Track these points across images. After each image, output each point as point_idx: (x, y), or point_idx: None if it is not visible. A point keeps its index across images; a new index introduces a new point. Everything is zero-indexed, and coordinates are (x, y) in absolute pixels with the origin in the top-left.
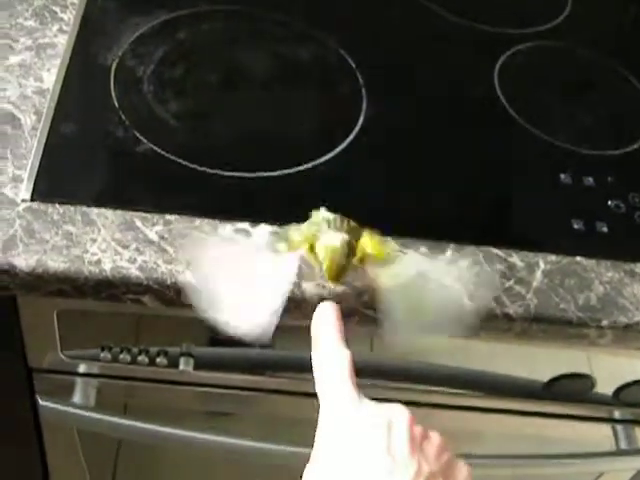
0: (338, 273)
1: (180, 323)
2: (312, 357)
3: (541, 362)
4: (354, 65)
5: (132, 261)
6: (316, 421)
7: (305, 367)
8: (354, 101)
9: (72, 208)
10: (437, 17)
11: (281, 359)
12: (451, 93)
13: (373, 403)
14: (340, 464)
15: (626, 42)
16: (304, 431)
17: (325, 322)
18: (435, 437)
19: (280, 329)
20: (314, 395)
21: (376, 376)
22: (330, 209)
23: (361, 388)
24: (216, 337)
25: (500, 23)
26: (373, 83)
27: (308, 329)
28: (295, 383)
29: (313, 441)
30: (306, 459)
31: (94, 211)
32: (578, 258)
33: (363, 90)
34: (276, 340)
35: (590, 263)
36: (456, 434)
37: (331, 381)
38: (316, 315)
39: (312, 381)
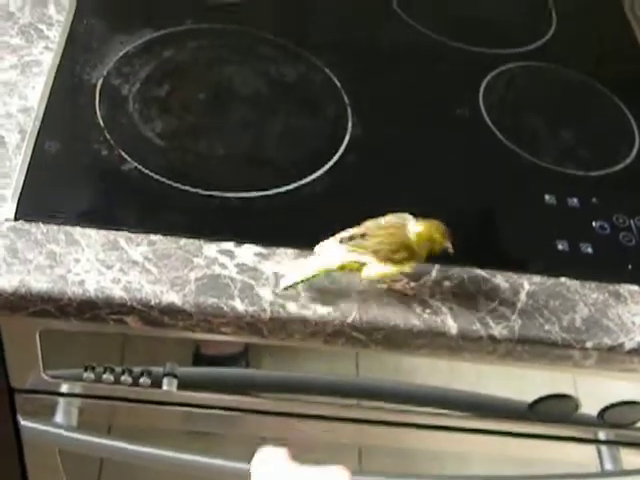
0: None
1: (164, 343)
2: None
3: (527, 383)
4: (339, 84)
5: (116, 281)
6: (299, 440)
7: (289, 387)
8: (339, 120)
9: (56, 228)
10: (423, 37)
11: (265, 379)
12: (436, 113)
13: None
14: None
15: (610, 63)
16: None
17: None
18: None
19: (264, 349)
20: (298, 415)
21: (362, 397)
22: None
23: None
24: (200, 355)
25: (485, 43)
26: (358, 103)
27: (292, 349)
28: (279, 403)
29: (295, 460)
30: None
31: (78, 231)
32: (563, 279)
33: (348, 109)
34: (260, 360)
35: (575, 284)
36: (441, 455)
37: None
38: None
39: (296, 401)
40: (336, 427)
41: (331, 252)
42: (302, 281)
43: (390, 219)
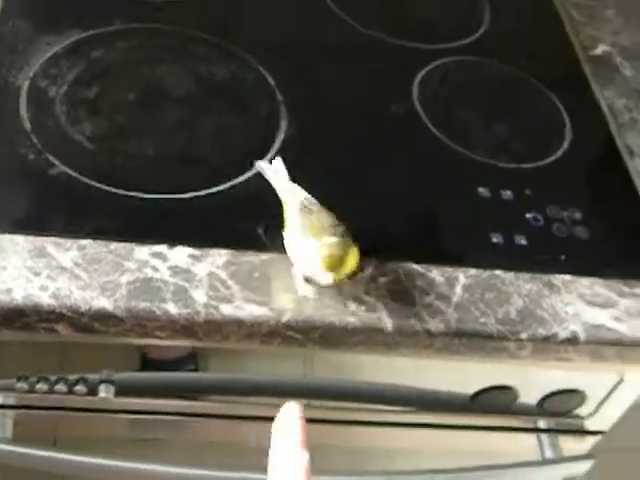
0: (334, 264)
1: (107, 350)
2: (269, 455)
3: (467, 375)
4: (273, 83)
5: (44, 289)
6: (238, 445)
7: (233, 389)
8: (273, 119)
9: None
10: (356, 33)
11: (206, 382)
12: (371, 109)
13: None
14: None
15: (542, 58)
16: (234, 455)
17: (288, 423)
18: None
19: (212, 350)
20: (245, 418)
21: (310, 396)
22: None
23: None
24: (147, 359)
25: (420, 39)
26: (292, 101)
27: (231, 352)
28: (225, 406)
29: (243, 465)
30: None
31: (5, 238)
32: (497, 271)
33: (282, 108)
34: (208, 362)
35: (509, 276)
36: (384, 451)
37: None
38: (280, 414)
39: (243, 403)
40: None
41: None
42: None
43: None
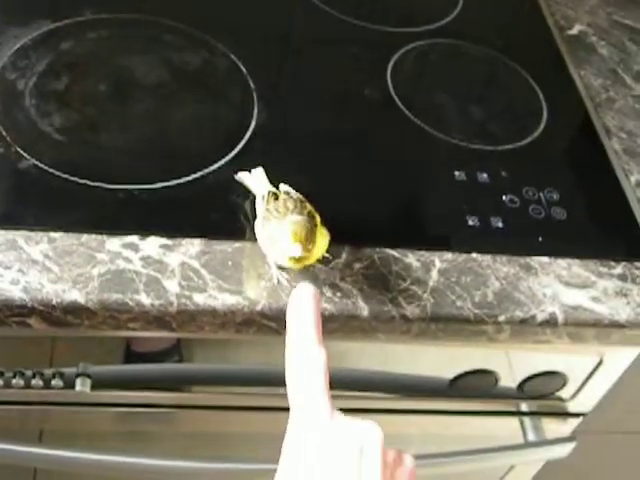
0: (302, 236)
1: (83, 344)
2: (286, 355)
3: (447, 360)
4: (245, 70)
5: (15, 282)
6: (226, 435)
7: (208, 380)
8: (245, 106)
9: None
10: (328, 18)
11: (183, 374)
12: (344, 94)
13: (346, 420)
14: None
15: (518, 39)
16: (221, 446)
17: (302, 311)
18: (408, 462)
19: (195, 342)
20: (231, 408)
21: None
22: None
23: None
24: (131, 352)
25: (391, 22)
26: (265, 88)
27: (216, 342)
28: (203, 397)
29: (228, 456)
30: (224, 474)
31: None
32: (474, 255)
33: (254, 95)
34: (193, 353)
35: (486, 259)
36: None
37: (306, 390)
38: (293, 300)
39: (225, 393)
40: (274, 417)
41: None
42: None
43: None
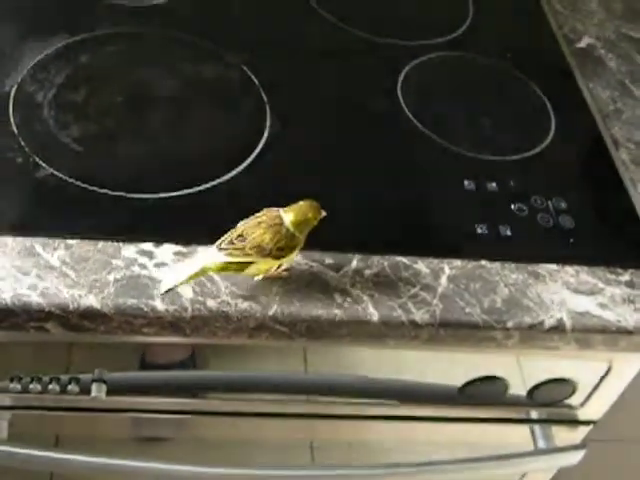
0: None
1: (98, 355)
2: None
3: (455, 367)
4: (258, 83)
5: (33, 288)
6: (240, 441)
7: (227, 386)
8: (258, 119)
9: None
10: (340, 32)
11: (198, 380)
12: (355, 106)
13: None
14: None
15: (527, 51)
16: (237, 452)
17: None
18: None
19: (211, 353)
20: (245, 414)
21: (307, 392)
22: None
23: None
24: (146, 364)
25: (403, 36)
26: (277, 100)
27: (239, 351)
28: (219, 403)
29: (241, 462)
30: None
31: None
32: (483, 262)
33: (267, 107)
34: (208, 365)
35: (494, 266)
36: (376, 444)
37: None
38: None
39: (239, 400)
40: (287, 424)
41: (211, 257)
42: (178, 285)
43: (263, 215)
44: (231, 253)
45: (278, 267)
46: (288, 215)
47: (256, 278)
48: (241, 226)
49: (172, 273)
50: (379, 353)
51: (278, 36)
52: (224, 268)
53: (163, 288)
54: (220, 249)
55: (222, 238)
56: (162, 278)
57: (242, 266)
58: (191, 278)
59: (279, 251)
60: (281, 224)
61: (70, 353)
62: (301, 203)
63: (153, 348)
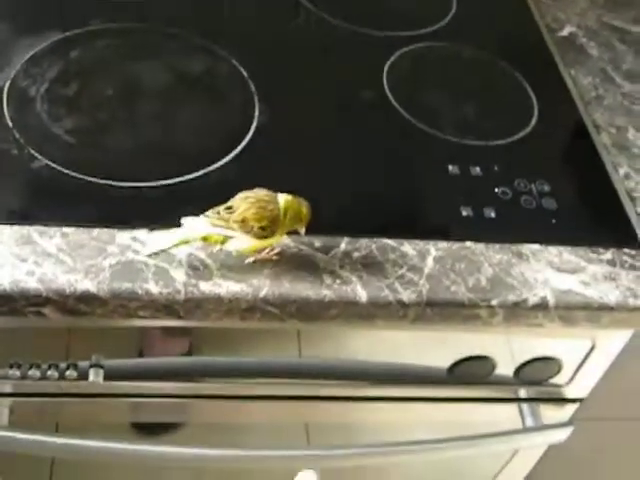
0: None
1: (90, 335)
2: None
3: (443, 348)
4: (246, 74)
5: (30, 274)
6: (237, 424)
7: (222, 371)
8: (247, 109)
9: None
10: (324, 23)
11: (195, 366)
12: (341, 96)
13: None
14: None
15: (510, 40)
16: (231, 435)
17: None
18: None
19: (207, 348)
20: (240, 397)
21: (297, 375)
22: None
23: None
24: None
25: (387, 27)
26: (265, 90)
27: (225, 343)
28: (216, 387)
29: (239, 444)
30: (235, 462)
31: None
32: (468, 243)
33: (255, 97)
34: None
35: (479, 247)
36: (366, 424)
37: None
38: None
39: (235, 384)
40: (280, 406)
41: (196, 224)
42: (162, 251)
43: (258, 192)
44: (214, 223)
45: (271, 250)
46: (282, 198)
47: (247, 261)
48: (234, 198)
49: (158, 238)
50: (370, 336)
51: (265, 28)
52: (206, 238)
53: (147, 251)
54: (205, 216)
55: (213, 208)
56: (148, 242)
57: (224, 238)
58: (175, 245)
59: (261, 230)
60: (268, 203)
61: (68, 340)
62: (300, 198)
63: (150, 344)
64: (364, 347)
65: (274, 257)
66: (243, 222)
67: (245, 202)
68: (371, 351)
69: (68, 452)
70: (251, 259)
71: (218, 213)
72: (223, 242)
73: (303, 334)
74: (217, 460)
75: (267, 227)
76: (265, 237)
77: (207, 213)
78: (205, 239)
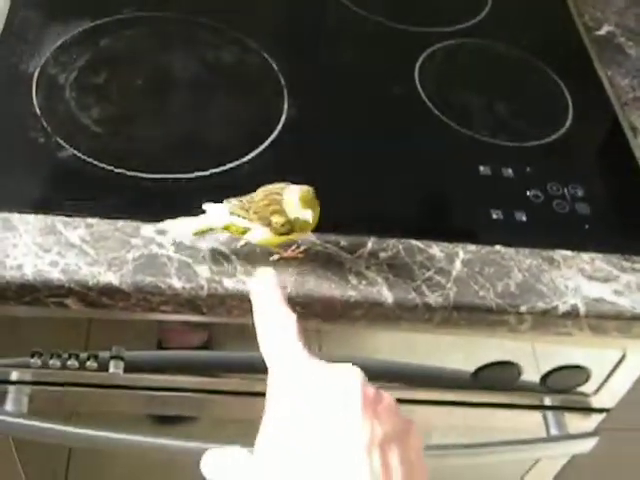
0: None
1: (111, 327)
2: (255, 320)
3: (469, 352)
4: (276, 67)
5: (54, 264)
6: (254, 421)
7: (239, 367)
8: (276, 101)
9: None
10: (358, 18)
11: (214, 360)
12: (372, 91)
13: (323, 363)
14: (292, 430)
15: (546, 39)
16: (248, 431)
17: (266, 286)
18: (388, 399)
19: (225, 340)
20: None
21: None
22: None
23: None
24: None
25: (421, 23)
26: (295, 84)
27: (245, 337)
28: (235, 382)
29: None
30: None
31: (16, 217)
32: (497, 247)
33: (285, 91)
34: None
35: (509, 251)
36: None
37: (279, 342)
38: (255, 280)
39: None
40: None
41: (218, 211)
42: (186, 236)
43: (276, 186)
44: (235, 211)
45: (296, 248)
46: (290, 192)
47: (271, 258)
48: (258, 191)
49: (180, 225)
50: (393, 337)
51: (297, 21)
52: (228, 227)
53: (169, 238)
54: (228, 202)
55: (237, 197)
56: (170, 228)
57: (244, 229)
58: (196, 232)
59: (280, 226)
60: (280, 197)
61: (89, 331)
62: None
63: (169, 335)
64: (387, 348)
65: (299, 255)
66: (262, 215)
67: (263, 195)
68: (391, 351)
69: (85, 442)
70: (276, 257)
71: (241, 201)
72: (244, 233)
73: (324, 332)
74: None
75: (285, 223)
76: (284, 234)
77: (230, 199)
78: (227, 228)
